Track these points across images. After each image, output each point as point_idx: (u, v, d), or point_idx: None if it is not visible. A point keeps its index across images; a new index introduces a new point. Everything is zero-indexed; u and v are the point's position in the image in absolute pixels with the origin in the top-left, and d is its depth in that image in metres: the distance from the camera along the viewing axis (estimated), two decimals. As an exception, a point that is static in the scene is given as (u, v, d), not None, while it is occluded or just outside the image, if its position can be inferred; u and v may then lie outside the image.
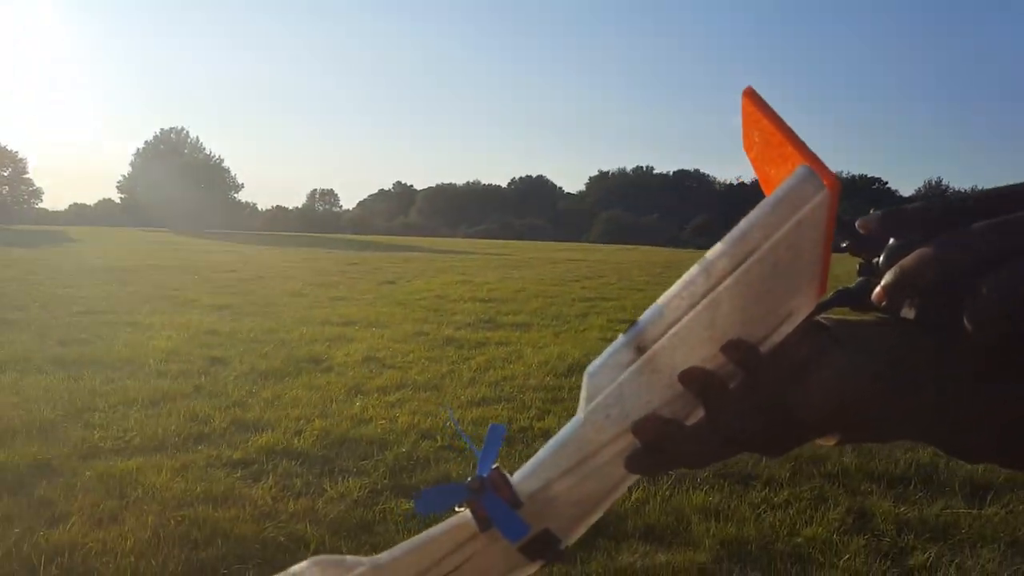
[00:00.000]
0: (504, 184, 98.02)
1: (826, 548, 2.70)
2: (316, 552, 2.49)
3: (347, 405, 4.39)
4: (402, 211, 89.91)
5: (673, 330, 0.36)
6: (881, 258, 0.38)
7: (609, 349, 0.37)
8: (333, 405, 4.38)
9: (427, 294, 10.63)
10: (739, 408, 0.38)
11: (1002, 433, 0.40)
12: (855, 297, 0.39)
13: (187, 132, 62.11)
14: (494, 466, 0.40)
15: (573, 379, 5.14)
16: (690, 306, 0.36)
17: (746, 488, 3.21)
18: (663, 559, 2.54)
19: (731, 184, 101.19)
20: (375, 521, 2.79)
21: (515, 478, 0.39)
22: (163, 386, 4.69)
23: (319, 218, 76.64)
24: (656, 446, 0.38)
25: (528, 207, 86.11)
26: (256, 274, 13.70)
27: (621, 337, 0.37)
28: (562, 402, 4.54)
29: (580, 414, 0.38)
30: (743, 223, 0.35)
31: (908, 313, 0.38)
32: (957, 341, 0.36)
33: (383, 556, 0.39)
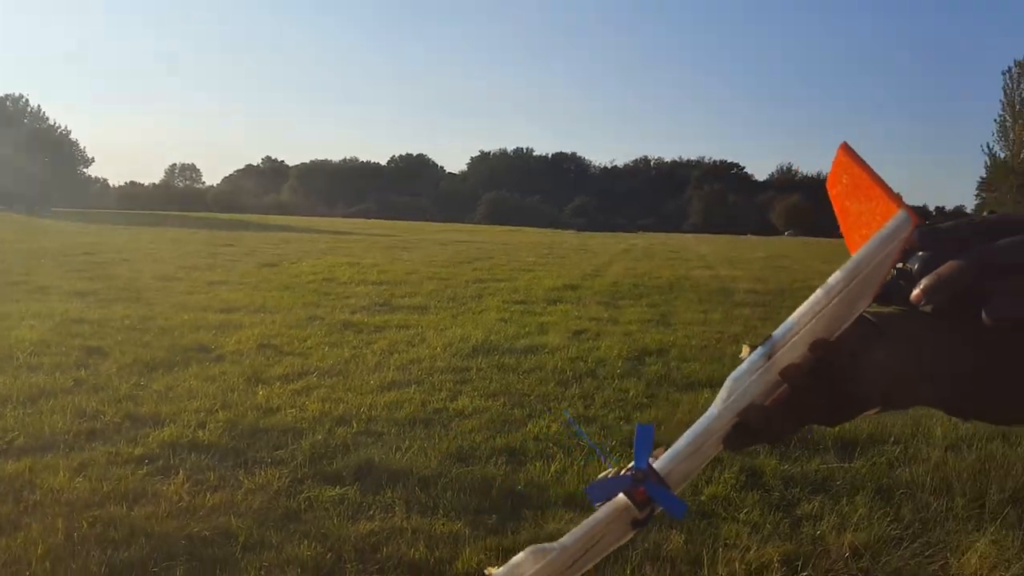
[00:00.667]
0: (383, 162, 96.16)
1: (727, 504, 2.95)
2: (246, 545, 2.47)
3: (249, 395, 4.28)
4: (273, 188, 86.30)
5: (794, 339, 0.45)
6: (915, 266, 0.48)
7: (751, 357, 0.46)
8: (234, 395, 4.25)
9: (314, 277, 10.37)
10: (814, 390, 0.47)
11: (998, 399, 0.51)
12: (883, 295, 0.47)
13: (26, 100, 55.95)
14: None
15: (480, 360, 5.23)
16: (810, 320, 0.45)
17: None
18: (585, 526, 2.70)
19: (605, 167, 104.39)
20: (301, 509, 2.77)
21: (658, 466, 0.46)
22: (38, 381, 4.38)
23: (179, 195, 72.10)
24: (753, 427, 0.46)
25: (409, 186, 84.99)
26: (117, 256, 12.85)
27: (760, 348, 0.45)
28: (471, 382, 4.62)
29: (715, 409, 0.46)
30: (858, 254, 0.44)
31: (925, 308, 0.46)
32: (971, 332, 0.45)
33: (565, 539, 0.46)
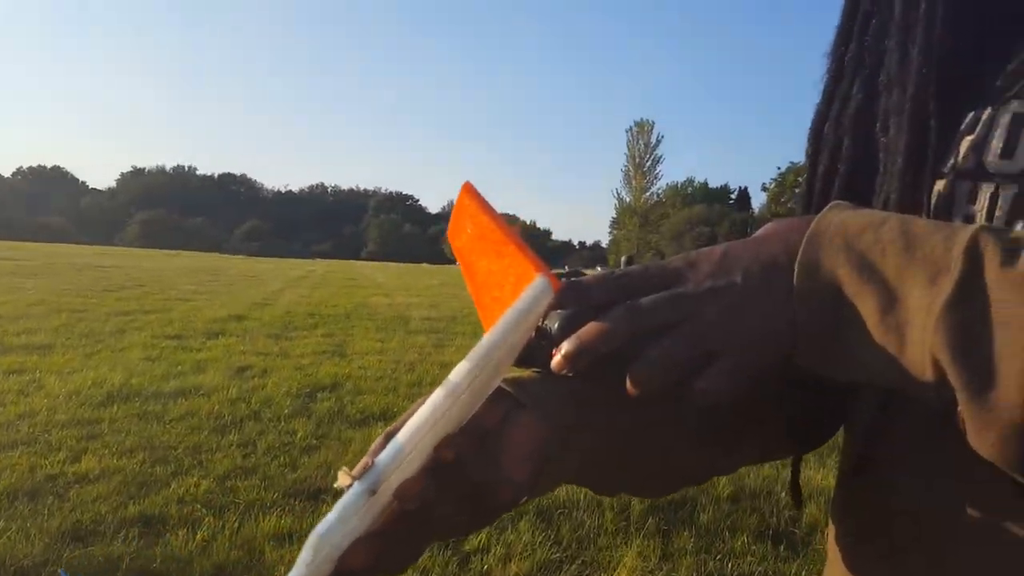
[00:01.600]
0: (8, 174, 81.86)
1: (397, 552, 2.81)
2: None
3: None
4: None
5: (408, 459, 0.36)
6: (554, 325, 0.41)
7: (343, 502, 0.36)
8: None
9: None
10: (441, 498, 0.39)
11: (647, 468, 0.49)
12: (520, 358, 0.41)
13: None
14: None
15: (115, 408, 4.44)
16: (430, 429, 0.37)
17: (316, 503, 3.17)
18: (237, 600, 2.34)
19: (279, 191, 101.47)
20: None
21: None
22: None
23: None
24: (359, 570, 0.37)
25: (41, 204, 73.22)
26: None
27: (357, 485, 0.36)
28: (101, 437, 3.87)
29: (300, 571, 0.35)
30: (490, 338, 0.37)
31: (567, 373, 0.41)
32: (618, 395, 0.40)
33: None
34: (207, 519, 2.90)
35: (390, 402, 5.00)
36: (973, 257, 0.36)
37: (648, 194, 69.62)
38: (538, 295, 0.37)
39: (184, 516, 2.94)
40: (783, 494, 3.40)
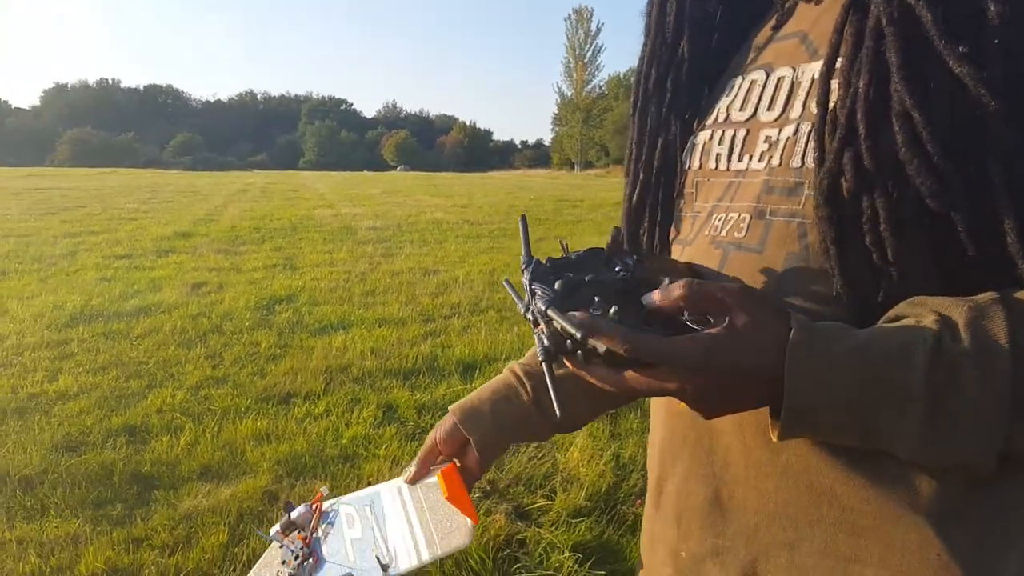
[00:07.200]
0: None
1: (367, 443, 3.07)
2: None
3: None
4: None
5: None
6: (577, 335, 0.51)
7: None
8: None
9: None
10: None
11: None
12: (557, 353, 0.57)
13: None
14: None
15: (80, 329, 4.57)
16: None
17: (288, 406, 3.40)
18: (227, 493, 2.59)
19: (208, 101, 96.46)
20: None
21: None
22: None
23: None
24: None
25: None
26: None
27: None
28: (73, 357, 4.02)
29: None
30: (425, 559, 0.77)
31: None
32: None
33: None
34: (187, 425, 3.13)
35: (346, 311, 5.19)
36: (933, 387, 0.45)
37: (590, 87, 67.23)
38: (465, 540, 0.73)
39: (165, 424, 3.17)
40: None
